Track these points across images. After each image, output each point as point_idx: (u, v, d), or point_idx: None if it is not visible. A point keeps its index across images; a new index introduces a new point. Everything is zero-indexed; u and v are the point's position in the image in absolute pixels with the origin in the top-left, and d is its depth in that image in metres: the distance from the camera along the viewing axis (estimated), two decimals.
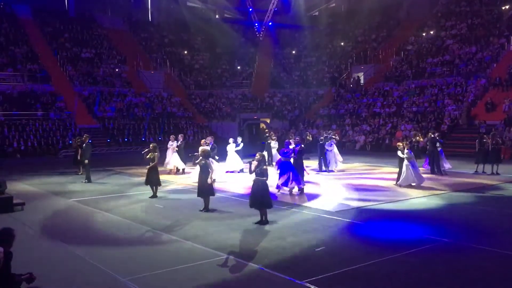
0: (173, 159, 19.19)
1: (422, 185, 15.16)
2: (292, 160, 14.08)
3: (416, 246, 8.51)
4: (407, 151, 15.07)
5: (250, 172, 10.45)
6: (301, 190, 14.02)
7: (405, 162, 15.03)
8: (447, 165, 18.57)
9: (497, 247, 8.42)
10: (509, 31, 34.10)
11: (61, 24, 43.58)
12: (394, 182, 15.60)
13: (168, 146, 19.38)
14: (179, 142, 19.34)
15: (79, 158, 18.58)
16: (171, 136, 20.09)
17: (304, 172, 14.96)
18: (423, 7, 43.66)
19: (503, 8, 37.58)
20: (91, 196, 14.38)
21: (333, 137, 20.45)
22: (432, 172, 18.19)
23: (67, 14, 45.77)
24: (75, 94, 35.55)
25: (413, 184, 15.02)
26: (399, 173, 15.36)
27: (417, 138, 20.87)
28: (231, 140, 19.87)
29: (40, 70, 36.48)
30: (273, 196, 12.73)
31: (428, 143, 18.97)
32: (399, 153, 15.20)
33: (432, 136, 18.87)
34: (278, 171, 14.35)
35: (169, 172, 19.10)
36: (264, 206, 10.31)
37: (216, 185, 14.47)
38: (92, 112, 35.03)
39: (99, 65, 40.18)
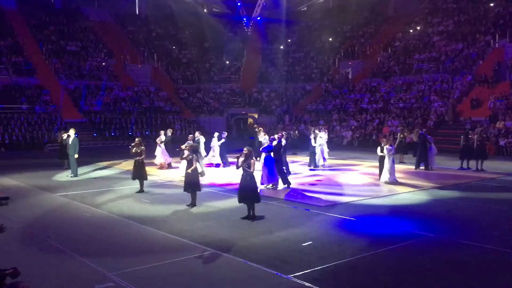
0: (158, 153, 19.13)
1: (408, 180, 15.33)
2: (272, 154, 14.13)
3: (402, 241, 8.60)
4: (389, 147, 15.12)
5: (237, 166, 10.44)
6: (274, 185, 14.07)
7: (387, 158, 15.10)
8: (434, 165, 18.58)
9: (480, 241, 8.56)
10: (495, 28, 34.46)
11: (46, 16, 43.01)
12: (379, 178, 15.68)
13: (157, 140, 19.30)
14: (166, 137, 19.29)
15: (66, 152, 18.39)
16: (161, 131, 19.99)
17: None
18: (410, 4, 43.92)
19: (489, 5, 37.97)
20: (77, 190, 14.26)
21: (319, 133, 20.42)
22: (416, 167, 18.42)
23: (53, 6, 45.16)
24: (61, 87, 35.15)
25: (388, 180, 15.02)
26: (380, 169, 15.46)
27: (404, 133, 21.05)
28: (216, 134, 19.89)
29: (25, 63, 35.98)
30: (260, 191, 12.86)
31: (417, 140, 19.12)
32: (379, 150, 15.32)
33: (421, 133, 19.04)
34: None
35: (161, 167, 19.03)
36: (253, 200, 10.32)
37: (203, 180, 14.46)
38: (78, 106, 34.68)
39: (85, 58, 39.75)
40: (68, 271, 7.26)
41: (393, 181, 14.91)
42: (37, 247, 8.53)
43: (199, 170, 13.37)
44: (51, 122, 31.92)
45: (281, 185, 14.15)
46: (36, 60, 36.89)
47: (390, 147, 15.14)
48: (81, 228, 9.90)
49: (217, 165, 19.26)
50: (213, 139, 19.62)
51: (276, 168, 14.06)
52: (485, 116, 27.45)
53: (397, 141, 20.63)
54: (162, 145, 19.13)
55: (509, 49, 31.30)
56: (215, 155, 19.45)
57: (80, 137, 18.04)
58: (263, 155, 14.13)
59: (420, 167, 18.45)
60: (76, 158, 16.99)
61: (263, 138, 21.38)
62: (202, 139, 18.64)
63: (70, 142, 17.07)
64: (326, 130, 22.59)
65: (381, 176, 15.23)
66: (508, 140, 24.41)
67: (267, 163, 13.89)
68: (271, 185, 14.00)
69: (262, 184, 13.75)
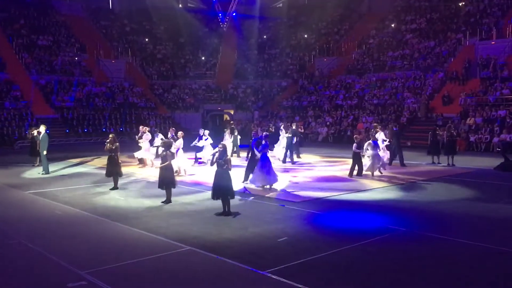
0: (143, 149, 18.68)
1: (381, 176, 15.61)
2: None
3: (375, 235, 8.73)
4: (371, 142, 15.56)
5: (211, 163, 10.41)
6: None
7: (369, 152, 15.44)
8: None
9: (451, 235, 8.75)
10: (466, 26, 35.24)
11: (16, 9, 41.82)
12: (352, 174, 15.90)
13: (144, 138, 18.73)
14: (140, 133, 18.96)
15: (37, 149, 17.99)
16: (144, 128, 19.41)
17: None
18: (384, 1, 44.51)
19: (460, 4, 38.80)
20: (49, 188, 13.97)
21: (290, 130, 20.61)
22: (390, 163, 18.71)
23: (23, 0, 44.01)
24: (32, 82, 34.34)
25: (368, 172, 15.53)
26: (353, 166, 15.78)
27: (377, 130, 21.30)
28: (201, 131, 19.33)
29: None
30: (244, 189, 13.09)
31: (391, 136, 19.38)
32: (354, 146, 15.61)
33: (395, 129, 19.33)
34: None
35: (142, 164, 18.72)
36: (228, 197, 10.30)
37: (177, 177, 14.37)
38: (50, 102, 33.97)
39: (57, 53, 38.89)
40: (40, 270, 7.12)
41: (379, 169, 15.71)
42: (7, 246, 8.32)
43: (175, 167, 13.29)
44: (22, 118, 31.16)
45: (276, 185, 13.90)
46: (5, 54, 35.87)
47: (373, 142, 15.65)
48: (52, 226, 9.71)
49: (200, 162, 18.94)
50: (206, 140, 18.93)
51: (250, 163, 13.97)
52: (456, 113, 28.06)
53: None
54: (147, 142, 18.62)
55: (480, 47, 32.07)
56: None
57: (52, 133, 17.70)
58: (256, 154, 13.76)
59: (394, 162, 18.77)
60: (47, 155, 16.62)
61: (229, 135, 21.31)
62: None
63: (40, 139, 16.70)
64: (301, 127, 22.60)
65: (366, 168, 15.71)
66: (478, 136, 25.02)
67: (265, 163, 13.43)
68: (269, 186, 13.56)
69: (257, 185, 13.47)
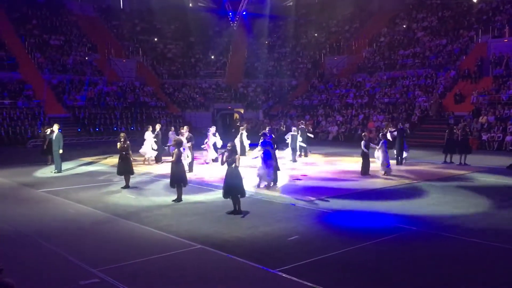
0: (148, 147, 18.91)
1: (392, 174, 15.51)
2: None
3: (386, 234, 8.69)
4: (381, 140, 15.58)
5: (222, 163, 10.43)
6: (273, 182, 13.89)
7: (377, 151, 15.45)
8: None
9: (463, 235, 8.67)
10: (478, 24, 34.87)
11: (28, 9, 42.26)
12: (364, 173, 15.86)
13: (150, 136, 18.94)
14: (155, 132, 19.07)
15: (45, 148, 18.20)
16: (149, 126, 19.66)
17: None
18: None
19: (472, 1, 38.37)
20: (61, 186, 14.10)
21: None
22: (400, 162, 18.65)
23: (35, 0, 44.39)
24: (44, 82, 34.67)
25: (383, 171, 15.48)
26: (364, 165, 15.72)
27: (389, 128, 21.21)
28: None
29: (7, 58, 35.36)
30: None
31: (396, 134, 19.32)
32: (363, 144, 15.56)
33: (400, 127, 19.26)
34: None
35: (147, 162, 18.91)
36: (238, 195, 10.31)
37: (189, 175, 14.40)
38: (61, 101, 34.27)
39: (69, 53, 39.24)
40: (53, 267, 7.19)
41: (388, 170, 15.52)
42: (20, 244, 8.42)
43: (185, 166, 13.33)
44: (34, 117, 31.48)
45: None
46: (18, 54, 36.28)
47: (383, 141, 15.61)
48: (65, 224, 9.80)
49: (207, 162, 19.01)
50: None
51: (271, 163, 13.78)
52: (468, 111, 27.79)
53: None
54: (151, 140, 18.82)
55: (492, 45, 31.73)
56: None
57: (64, 132, 17.84)
58: (259, 150, 13.73)
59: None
60: (60, 154, 16.79)
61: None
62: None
63: (54, 138, 16.85)
64: (310, 126, 22.49)
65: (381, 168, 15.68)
66: (491, 134, 24.77)
67: (266, 160, 13.34)
68: (271, 183, 13.53)
69: (258, 185, 13.44)
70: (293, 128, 20.24)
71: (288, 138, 19.72)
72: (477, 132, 25.25)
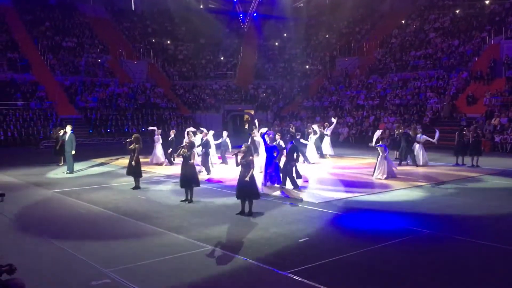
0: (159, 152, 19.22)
1: (404, 176, 15.41)
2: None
3: (397, 237, 8.63)
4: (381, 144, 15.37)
5: (237, 164, 10.41)
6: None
7: (381, 155, 15.30)
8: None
9: (476, 238, 8.59)
10: (491, 25, 34.55)
11: (41, 12, 42.75)
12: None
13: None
14: (170, 138, 19.20)
15: (59, 148, 18.42)
16: (159, 130, 19.93)
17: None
18: (407, 0, 43.94)
19: (485, 2, 38.04)
20: (73, 187, 14.22)
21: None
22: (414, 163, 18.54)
23: (47, 2, 44.87)
24: (57, 83, 35.02)
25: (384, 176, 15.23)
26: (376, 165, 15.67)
27: (400, 130, 21.09)
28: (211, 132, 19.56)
29: (20, 59, 35.80)
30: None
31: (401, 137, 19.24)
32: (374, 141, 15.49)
33: (405, 130, 19.26)
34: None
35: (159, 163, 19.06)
36: (251, 197, 10.32)
37: (200, 176, 14.42)
38: (74, 102, 34.58)
39: (81, 54, 39.57)
40: (64, 267, 7.25)
41: (389, 176, 15.12)
42: (33, 244, 8.50)
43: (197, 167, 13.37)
44: (47, 118, 31.81)
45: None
46: (31, 56, 36.73)
47: (382, 145, 15.33)
48: (77, 224, 9.87)
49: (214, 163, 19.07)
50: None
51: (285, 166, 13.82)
52: (480, 113, 27.54)
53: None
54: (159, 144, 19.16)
55: (505, 46, 31.42)
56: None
57: (76, 133, 17.98)
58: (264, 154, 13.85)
59: (403, 163, 18.56)
60: (73, 155, 16.94)
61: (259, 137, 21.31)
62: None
63: (66, 139, 17.02)
64: (321, 127, 22.46)
65: (374, 173, 15.37)
66: (503, 136, 24.51)
67: (269, 163, 13.60)
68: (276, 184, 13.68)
69: (264, 185, 13.55)
70: (313, 128, 20.36)
71: (310, 139, 19.84)
72: (490, 134, 25.00)
